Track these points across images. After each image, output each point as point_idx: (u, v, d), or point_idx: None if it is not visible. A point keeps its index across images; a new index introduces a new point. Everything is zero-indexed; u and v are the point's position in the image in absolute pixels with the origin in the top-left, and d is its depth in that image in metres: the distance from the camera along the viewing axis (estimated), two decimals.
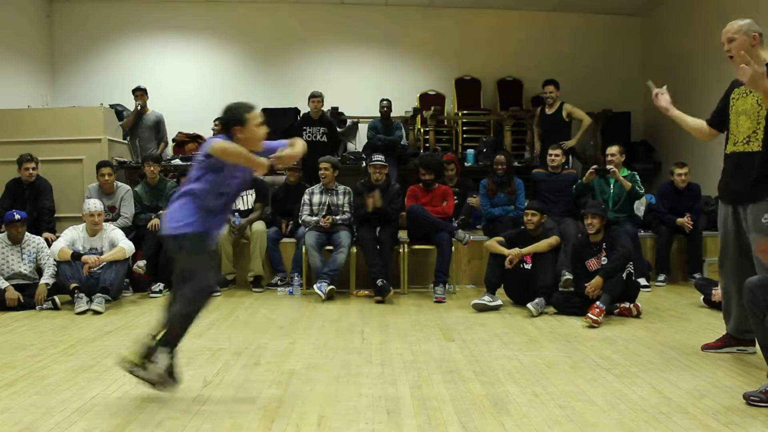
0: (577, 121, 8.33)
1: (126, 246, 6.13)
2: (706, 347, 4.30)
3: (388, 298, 6.17)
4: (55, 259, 6.01)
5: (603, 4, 10.68)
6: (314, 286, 6.35)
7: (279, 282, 7.02)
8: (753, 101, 3.80)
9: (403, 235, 6.90)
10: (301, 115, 9.18)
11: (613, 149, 7.10)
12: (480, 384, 3.59)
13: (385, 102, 8.94)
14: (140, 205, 7.11)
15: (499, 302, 5.85)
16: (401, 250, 6.80)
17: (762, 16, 7.61)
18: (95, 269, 5.97)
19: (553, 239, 5.89)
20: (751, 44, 3.75)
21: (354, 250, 6.71)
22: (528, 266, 5.88)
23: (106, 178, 6.89)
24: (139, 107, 8.62)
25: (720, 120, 4.08)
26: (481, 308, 5.76)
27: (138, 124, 8.68)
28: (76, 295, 5.75)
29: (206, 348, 4.44)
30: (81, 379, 3.71)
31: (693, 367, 3.92)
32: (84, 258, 5.92)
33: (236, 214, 7.01)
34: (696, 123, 4.21)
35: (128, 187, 7.15)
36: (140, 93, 8.68)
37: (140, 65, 10.27)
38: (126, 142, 8.60)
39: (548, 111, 8.35)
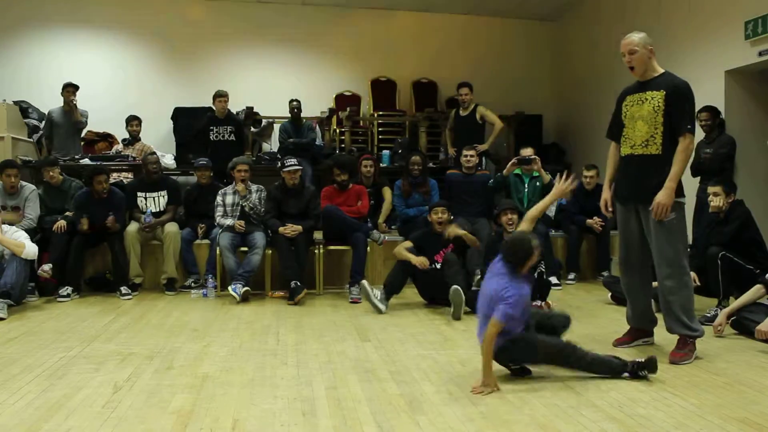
0: (491, 124, 8.48)
1: (28, 245, 5.91)
2: (618, 342, 4.52)
3: (301, 299, 6.14)
4: None
5: (516, 9, 10.97)
6: (229, 288, 6.28)
7: (193, 284, 6.90)
8: (650, 108, 4.07)
9: (318, 235, 6.91)
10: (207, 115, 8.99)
11: (528, 150, 7.31)
12: (395, 383, 3.63)
13: (294, 102, 8.82)
14: (45, 207, 6.86)
15: (383, 308, 5.77)
16: (316, 251, 6.81)
17: (663, 26, 7.99)
18: None
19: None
20: (648, 56, 4.11)
21: (269, 251, 6.68)
22: (439, 265, 5.96)
23: (12, 179, 6.60)
24: (74, 102, 8.28)
25: (618, 130, 4.32)
26: (366, 299, 5.84)
27: (61, 122, 8.33)
28: None
29: (117, 353, 4.33)
30: None
31: None
32: None
33: (148, 211, 6.86)
34: (613, 157, 4.43)
35: (33, 187, 6.86)
36: (71, 89, 8.35)
37: (47, 60, 9.88)
38: (32, 140, 8.26)
39: (462, 113, 8.45)
